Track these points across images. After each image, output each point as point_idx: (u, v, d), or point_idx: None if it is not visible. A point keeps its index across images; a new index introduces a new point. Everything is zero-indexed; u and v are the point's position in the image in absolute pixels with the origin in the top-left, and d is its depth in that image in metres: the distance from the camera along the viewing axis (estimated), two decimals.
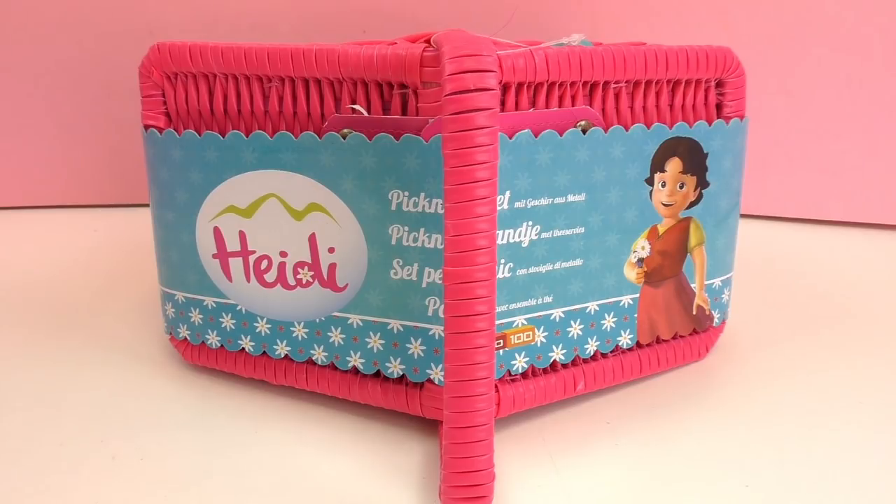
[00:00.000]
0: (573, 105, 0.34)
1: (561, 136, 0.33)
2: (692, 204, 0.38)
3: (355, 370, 0.36)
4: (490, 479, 0.29)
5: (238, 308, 0.38)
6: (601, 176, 0.35)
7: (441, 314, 0.34)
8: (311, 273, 0.35)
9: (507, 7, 0.57)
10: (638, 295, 0.38)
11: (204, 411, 0.38)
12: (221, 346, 0.39)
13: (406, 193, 0.33)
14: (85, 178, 0.62)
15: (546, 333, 0.35)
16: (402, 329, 0.34)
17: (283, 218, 0.35)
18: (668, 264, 0.39)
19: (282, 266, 0.36)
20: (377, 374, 0.36)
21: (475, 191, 0.27)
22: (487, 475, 0.29)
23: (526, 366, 0.35)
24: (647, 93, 0.36)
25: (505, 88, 0.33)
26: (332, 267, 0.35)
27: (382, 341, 0.35)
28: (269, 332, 0.37)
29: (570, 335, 0.36)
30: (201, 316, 0.39)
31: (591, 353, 0.37)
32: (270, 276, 0.36)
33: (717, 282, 0.41)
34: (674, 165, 0.37)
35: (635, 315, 0.38)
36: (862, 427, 0.37)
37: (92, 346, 0.44)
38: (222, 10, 0.57)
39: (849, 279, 0.55)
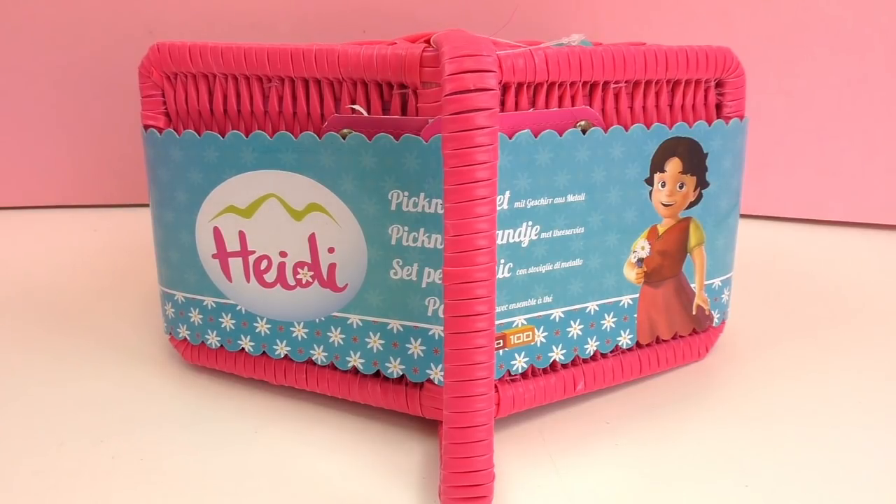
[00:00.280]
0: (573, 105, 0.34)
1: (561, 136, 0.33)
2: (692, 204, 0.38)
3: (355, 370, 0.36)
4: (490, 479, 0.29)
5: (238, 308, 0.38)
6: (601, 176, 0.35)
7: (441, 314, 0.34)
8: (311, 273, 0.35)
9: (506, 7, 0.57)
10: (638, 295, 0.38)
11: (204, 411, 0.38)
12: (221, 346, 0.39)
13: (406, 193, 0.33)
14: (85, 178, 0.62)
15: (546, 333, 0.35)
16: (401, 329, 0.34)
17: (283, 218, 0.35)
18: (667, 264, 0.39)
19: (281, 266, 0.36)
20: (377, 374, 0.36)
21: (475, 191, 0.27)
22: (487, 475, 0.29)
23: (526, 366, 0.35)
24: (646, 93, 0.36)
25: (505, 88, 0.33)
26: (332, 267, 0.35)
27: (382, 341, 0.35)
28: (268, 332, 0.37)
29: (569, 335, 0.36)
30: (201, 316, 0.39)
31: (591, 353, 0.37)
32: (270, 276, 0.36)
33: (716, 282, 0.41)
34: (673, 165, 0.37)
35: (635, 315, 0.38)
36: (861, 427, 0.37)
37: (92, 346, 0.44)
38: (222, 10, 0.57)
39: (848, 279, 0.55)
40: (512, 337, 0.35)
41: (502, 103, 0.33)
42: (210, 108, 0.37)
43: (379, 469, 0.33)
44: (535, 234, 0.34)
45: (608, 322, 0.37)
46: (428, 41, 0.32)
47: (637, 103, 0.36)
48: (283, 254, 0.36)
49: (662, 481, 0.33)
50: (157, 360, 0.43)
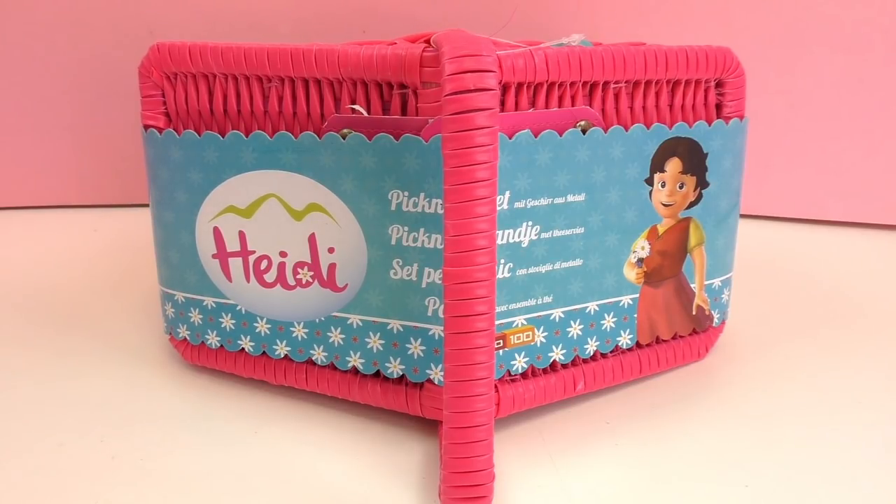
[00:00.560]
0: (573, 105, 0.34)
1: (561, 136, 0.33)
2: (692, 204, 0.38)
3: (355, 370, 0.36)
4: (490, 479, 0.29)
5: (238, 308, 0.38)
6: (601, 176, 0.35)
7: (441, 314, 0.34)
8: (311, 273, 0.35)
9: (506, 7, 0.57)
10: (638, 295, 0.38)
11: (204, 411, 0.38)
12: (221, 346, 0.39)
13: (406, 193, 0.33)
14: (85, 178, 0.62)
15: (546, 333, 0.35)
16: (401, 329, 0.34)
17: (283, 218, 0.35)
18: (667, 264, 0.39)
19: (281, 266, 0.36)
20: (377, 374, 0.36)
21: (475, 191, 0.27)
22: (487, 475, 0.29)
23: (526, 366, 0.35)
24: (646, 93, 0.36)
25: (505, 88, 0.33)
26: (332, 267, 0.35)
27: (382, 341, 0.35)
28: (268, 332, 0.37)
29: (569, 335, 0.36)
30: (201, 316, 0.39)
31: (591, 353, 0.37)
32: (270, 277, 0.36)
33: (716, 282, 0.41)
34: (673, 165, 0.37)
35: (635, 315, 0.38)
36: (861, 427, 0.37)
37: (91, 345, 0.44)
38: (222, 11, 0.57)
39: (848, 279, 0.55)
40: (512, 337, 0.35)
41: (502, 103, 0.33)
42: (210, 108, 0.37)
43: (379, 469, 0.33)
44: (535, 234, 0.34)
45: (608, 322, 0.37)
46: (428, 41, 0.32)
47: (637, 103, 0.36)
48: (283, 254, 0.36)
49: (662, 481, 0.33)
50: (158, 360, 0.43)
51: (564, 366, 0.37)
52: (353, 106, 0.34)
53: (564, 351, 0.36)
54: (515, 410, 0.35)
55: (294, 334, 0.37)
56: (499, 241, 0.33)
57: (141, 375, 0.41)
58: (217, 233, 0.37)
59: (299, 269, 0.36)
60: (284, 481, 0.32)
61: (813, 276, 0.56)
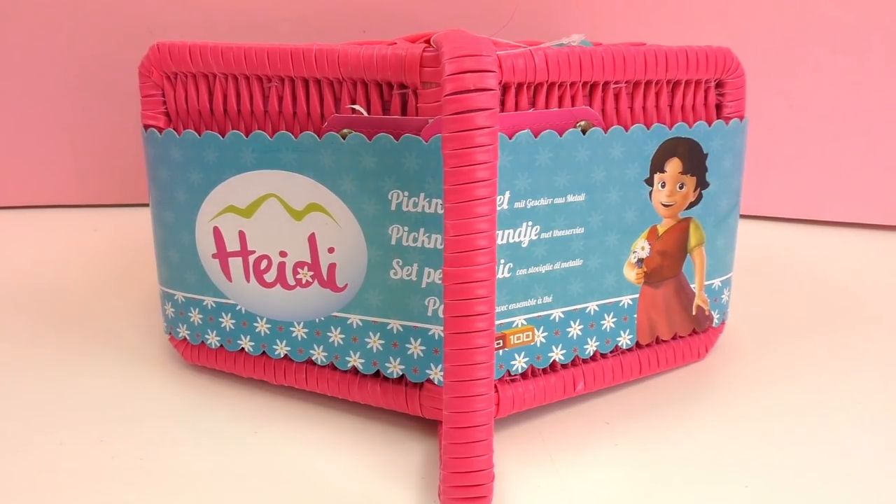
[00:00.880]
0: (573, 105, 0.34)
1: (561, 136, 0.33)
2: (692, 204, 0.38)
3: (355, 370, 0.36)
4: (489, 480, 0.29)
5: (238, 308, 0.38)
6: (601, 176, 0.35)
7: (441, 314, 0.34)
8: (311, 273, 0.35)
9: (506, 7, 0.57)
10: (637, 295, 0.38)
11: (203, 411, 0.38)
12: (221, 345, 0.39)
13: (406, 193, 0.33)
14: (85, 177, 0.62)
15: (546, 334, 0.35)
16: (401, 329, 0.34)
17: (283, 218, 0.35)
18: (667, 265, 0.39)
19: (281, 266, 0.36)
20: (377, 374, 0.36)
21: (475, 191, 0.27)
22: (487, 475, 0.29)
23: (525, 366, 0.35)
24: (646, 93, 0.36)
25: (505, 89, 0.33)
26: (332, 267, 0.35)
27: (382, 341, 0.35)
28: (268, 332, 0.37)
29: (569, 335, 0.36)
30: (201, 316, 0.39)
31: (591, 354, 0.37)
32: (270, 276, 0.36)
33: (716, 282, 0.41)
34: (673, 166, 0.37)
35: (635, 315, 0.38)
36: (861, 427, 0.37)
37: (91, 345, 0.44)
38: (222, 10, 0.57)
39: (848, 280, 0.55)
40: (512, 337, 0.35)
41: (502, 103, 0.33)
42: (210, 108, 0.37)
43: (379, 469, 0.33)
44: (535, 235, 0.34)
45: (608, 322, 0.37)
46: (428, 41, 0.32)
47: (637, 103, 0.36)
48: (283, 254, 0.36)
49: (662, 482, 0.33)
50: (157, 360, 0.43)
51: (564, 366, 0.37)
52: (354, 106, 0.34)
53: (564, 351, 0.36)
54: (515, 410, 0.35)
55: (294, 334, 0.37)
56: (499, 242, 0.33)
57: (141, 375, 0.41)
58: (217, 232, 0.37)
59: (299, 269, 0.36)
60: (284, 481, 0.32)
61: (813, 277, 0.56)
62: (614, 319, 0.37)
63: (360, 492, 0.32)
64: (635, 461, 0.34)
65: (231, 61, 0.35)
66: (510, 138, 0.32)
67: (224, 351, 0.39)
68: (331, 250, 0.35)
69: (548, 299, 0.35)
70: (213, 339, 0.39)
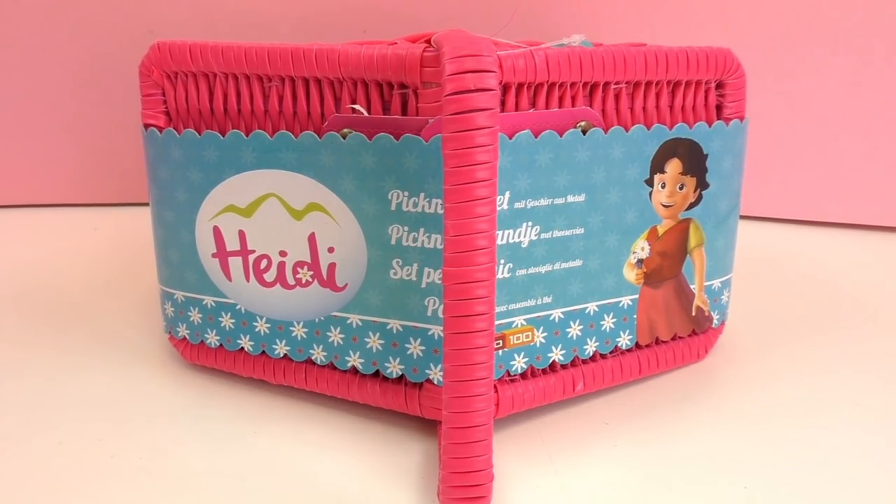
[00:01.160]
0: (573, 105, 0.34)
1: (561, 136, 0.33)
2: (692, 205, 0.38)
3: (354, 370, 0.36)
4: (489, 480, 0.29)
5: (237, 307, 0.38)
6: (601, 177, 0.35)
7: (440, 314, 0.34)
8: (311, 273, 0.35)
9: (507, 7, 0.57)
10: (637, 296, 0.38)
11: (203, 410, 0.38)
12: (220, 345, 0.39)
13: (406, 193, 0.33)
14: (85, 176, 0.62)
15: (545, 334, 0.35)
16: (401, 329, 0.34)
17: (283, 217, 0.35)
18: (667, 265, 0.39)
19: (281, 266, 0.36)
20: (376, 373, 0.36)
21: (475, 191, 0.27)
22: (486, 475, 0.29)
23: (525, 366, 0.35)
24: (647, 94, 0.36)
25: (505, 89, 0.33)
26: (332, 267, 0.35)
27: (382, 341, 0.35)
28: (268, 331, 0.37)
29: (569, 336, 0.36)
30: (200, 315, 0.39)
31: (591, 354, 0.37)
32: (270, 276, 0.36)
33: (716, 283, 0.41)
34: (674, 166, 0.37)
35: (635, 316, 0.38)
36: (860, 428, 0.37)
37: (91, 344, 0.44)
38: (223, 10, 0.57)
39: (848, 281, 0.55)
40: (511, 337, 0.35)
41: (502, 103, 0.33)
42: (210, 108, 0.37)
43: (378, 469, 0.33)
44: (535, 235, 0.34)
45: (608, 323, 0.37)
46: (428, 41, 0.32)
47: (637, 104, 0.36)
48: (282, 253, 0.36)
49: (661, 482, 0.33)
50: (157, 359, 0.43)
51: (564, 366, 0.37)
52: (354, 106, 0.34)
53: (564, 351, 0.36)
54: (515, 411, 0.35)
55: (293, 334, 0.37)
56: (499, 242, 0.33)
57: (140, 374, 0.41)
58: (217, 232, 0.37)
59: (299, 269, 0.36)
60: (283, 481, 0.32)
61: (813, 278, 0.56)
62: (614, 320, 0.37)
63: (360, 492, 0.32)
64: (635, 461, 0.34)
65: (231, 61, 0.35)
66: (510, 138, 0.32)
67: (224, 350, 0.39)
68: (331, 250, 0.35)
69: (547, 300, 0.35)
70: (212, 339, 0.39)
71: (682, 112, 0.38)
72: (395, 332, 0.35)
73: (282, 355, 0.37)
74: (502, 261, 0.33)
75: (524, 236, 0.34)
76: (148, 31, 0.57)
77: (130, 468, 0.33)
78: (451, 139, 0.27)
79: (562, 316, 0.36)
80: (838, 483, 0.32)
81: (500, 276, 0.33)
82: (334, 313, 0.36)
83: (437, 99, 0.31)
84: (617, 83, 0.35)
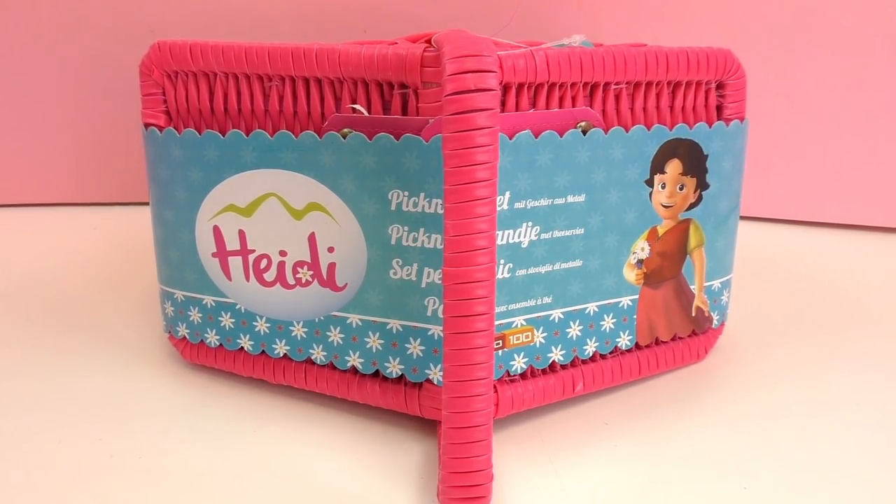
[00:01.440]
0: (573, 106, 0.34)
1: (561, 136, 0.33)
2: (692, 205, 0.38)
3: (354, 370, 0.36)
4: (488, 480, 0.29)
5: (237, 307, 0.38)
6: (601, 177, 0.35)
7: (440, 314, 0.34)
8: (311, 272, 0.35)
9: (507, 7, 0.57)
10: (637, 296, 0.38)
11: (202, 410, 0.38)
12: (220, 344, 0.39)
13: (406, 193, 0.33)
14: (85, 176, 0.62)
15: (545, 334, 0.35)
16: (401, 329, 0.34)
17: (283, 217, 0.35)
18: (667, 266, 0.39)
19: (281, 265, 0.36)
20: (376, 373, 0.36)
21: (475, 191, 0.27)
22: (486, 475, 0.29)
23: (525, 366, 0.35)
24: (647, 94, 0.36)
25: (505, 89, 0.33)
26: (332, 266, 0.35)
27: (381, 341, 0.35)
28: (268, 331, 0.37)
29: (569, 336, 0.36)
30: (200, 315, 0.39)
31: (590, 354, 0.37)
32: (270, 276, 0.36)
33: (716, 283, 0.41)
34: (674, 167, 0.37)
35: (634, 316, 0.38)
36: (860, 429, 0.37)
37: (90, 344, 0.44)
38: (223, 9, 0.57)
39: (848, 282, 0.55)
40: (511, 337, 0.35)
41: (503, 104, 0.33)
42: (210, 107, 0.37)
43: (378, 469, 0.33)
44: (535, 235, 0.34)
45: (607, 323, 0.37)
46: (429, 41, 0.32)
47: (637, 104, 0.36)
48: (282, 253, 0.36)
49: (661, 482, 0.33)
50: (157, 359, 0.43)
51: (563, 366, 0.37)
52: (354, 105, 0.34)
53: (564, 352, 0.36)
54: (514, 411, 0.35)
55: (293, 333, 0.37)
56: (499, 242, 0.33)
57: (140, 374, 0.41)
58: (217, 231, 0.37)
59: (299, 269, 0.36)
60: (283, 480, 0.32)
61: (813, 279, 0.56)
62: (614, 320, 0.37)
63: (359, 492, 0.32)
64: (634, 462, 0.34)
65: (232, 60, 0.35)
66: (510, 139, 0.32)
67: (223, 350, 0.39)
68: (331, 250, 0.35)
69: (547, 300, 0.35)
70: (212, 338, 0.39)
71: (682, 112, 0.38)
72: (394, 331, 0.35)
73: (281, 355, 0.37)
74: (502, 261, 0.33)
75: (524, 236, 0.34)
76: (148, 30, 0.57)
77: (130, 468, 0.33)
78: (451, 139, 0.27)
79: (562, 316, 0.36)
80: (838, 483, 0.32)
81: (500, 276, 0.33)
82: (334, 313, 0.36)
83: (438, 99, 0.31)
84: (617, 83, 0.35)
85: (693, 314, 0.41)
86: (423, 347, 0.34)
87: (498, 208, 0.31)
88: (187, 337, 0.40)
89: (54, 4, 0.57)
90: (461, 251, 0.28)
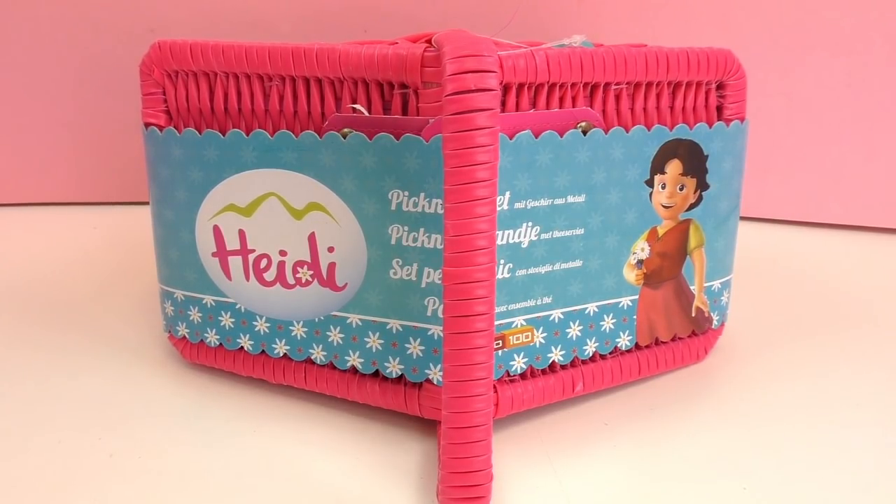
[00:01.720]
0: (574, 106, 0.34)
1: (561, 136, 0.33)
2: (692, 206, 0.38)
3: (354, 370, 0.36)
4: (488, 480, 0.29)
5: (237, 307, 0.38)
6: (601, 177, 0.35)
7: (440, 314, 0.34)
8: (311, 272, 0.35)
9: (508, 7, 0.57)
10: (637, 296, 0.38)
11: (202, 410, 0.38)
12: (220, 344, 0.39)
13: (406, 193, 0.33)
14: (85, 175, 0.62)
15: (545, 334, 0.35)
16: (401, 329, 0.34)
17: (283, 217, 0.35)
18: (667, 266, 0.39)
19: (281, 265, 0.36)
20: (376, 373, 0.36)
21: (475, 191, 0.27)
22: (485, 475, 0.29)
23: (525, 366, 0.35)
24: (647, 94, 0.36)
25: (506, 89, 0.33)
26: (332, 266, 0.35)
27: (381, 341, 0.35)
28: (267, 330, 0.37)
29: (569, 336, 0.36)
30: (200, 314, 0.39)
31: (590, 355, 0.37)
32: (270, 275, 0.36)
33: (716, 284, 0.41)
34: (674, 167, 0.37)
35: (634, 316, 0.38)
36: (860, 429, 0.37)
37: (90, 343, 0.44)
38: (223, 9, 0.57)
39: (848, 282, 0.55)
40: (511, 337, 0.35)
41: (503, 104, 0.33)
42: (211, 107, 0.37)
43: (377, 469, 0.33)
44: (535, 235, 0.34)
45: (607, 323, 0.37)
46: (429, 41, 0.32)
47: (638, 105, 0.36)
48: (282, 253, 0.36)
49: (660, 483, 0.33)
50: (156, 359, 0.43)
51: (563, 367, 0.37)
52: (354, 105, 0.34)
53: (563, 352, 0.36)
54: (514, 411, 0.35)
55: (293, 333, 0.37)
56: (499, 242, 0.33)
57: (139, 373, 0.41)
58: (217, 231, 0.37)
59: (299, 268, 0.36)
60: (282, 480, 0.32)
61: (812, 279, 0.56)
62: (614, 320, 0.37)
63: (359, 491, 0.32)
64: (634, 462, 0.34)
65: (232, 60, 0.35)
66: (511, 139, 0.32)
67: (223, 350, 0.39)
68: (331, 249, 0.35)
69: (547, 300, 0.35)
70: (212, 338, 0.39)
71: (682, 113, 0.38)
72: (394, 331, 0.35)
73: (281, 355, 0.37)
74: (502, 261, 0.33)
75: (524, 236, 0.34)
76: (148, 29, 0.57)
77: (129, 467, 0.33)
78: (451, 139, 0.27)
79: (561, 316, 0.36)
80: (838, 483, 0.32)
81: (500, 276, 0.33)
82: (334, 313, 0.36)
83: (438, 99, 0.31)
84: (617, 84, 0.35)
85: (693, 314, 0.41)
86: (422, 347, 0.34)
87: (498, 208, 0.31)
88: (187, 336, 0.40)
89: (54, 4, 0.57)
90: (461, 251, 0.28)
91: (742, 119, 0.40)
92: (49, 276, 0.55)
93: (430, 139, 0.32)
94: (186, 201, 0.37)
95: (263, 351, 0.38)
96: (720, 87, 0.39)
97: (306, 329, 0.36)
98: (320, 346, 0.36)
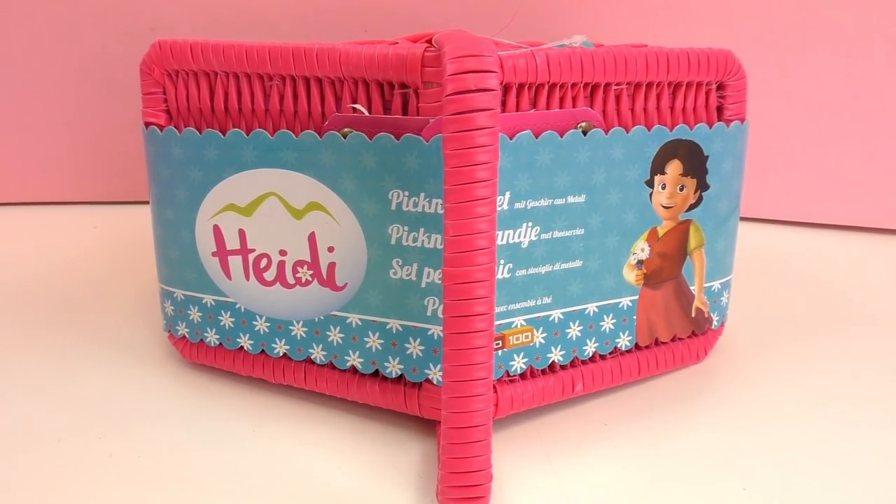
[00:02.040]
0: (574, 106, 0.34)
1: (561, 137, 0.33)
2: (692, 206, 0.38)
3: (354, 369, 0.36)
4: (488, 480, 0.29)
5: (237, 306, 0.38)
6: (601, 177, 0.35)
7: (440, 314, 0.34)
8: (311, 272, 0.35)
9: (508, 7, 0.57)
10: (637, 297, 0.38)
11: (202, 409, 0.38)
12: (220, 344, 0.39)
13: (406, 193, 0.33)
14: (85, 174, 0.62)
15: (545, 334, 0.35)
16: (400, 329, 0.34)
17: (283, 217, 0.35)
18: (667, 266, 0.39)
19: (281, 265, 0.36)
20: (376, 373, 0.36)
21: (475, 191, 0.27)
22: (485, 475, 0.29)
23: (524, 366, 0.35)
24: (647, 95, 0.36)
25: (506, 89, 0.33)
26: (332, 266, 0.35)
27: (381, 341, 0.35)
28: (267, 330, 0.37)
29: (568, 336, 0.36)
30: (200, 314, 0.39)
31: (590, 355, 0.37)
32: (270, 275, 0.36)
33: (716, 284, 0.41)
34: (674, 167, 0.37)
35: (634, 317, 0.38)
36: (859, 429, 0.37)
37: (90, 343, 0.44)
38: (224, 8, 0.57)
39: (848, 283, 0.55)
40: (511, 337, 0.35)
41: (503, 104, 0.33)
42: (211, 106, 0.37)
43: (377, 469, 0.33)
44: (535, 235, 0.34)
45: (607, 323, 0.37)
46: (429, 41, 0.32)
47: (638, 105, 0.36)
48: (282, 252, 0.36)
49: (660, 483, 0.33)
50: (156, 358, 0.43)
51: (563, 367, 0.37)
52: (354, 105, 0.34)
53: (563, 352, 0.36)
54: (514, 411, 0.35)
55: (293, 333, 0.37)
56: (499, 242, 0.33)
57: (139, 373, 0.41)
58: (217, 231, 0.37)
59: (299, 268, 0.36)
60: (282, 480, 0.32)
61: (813, 280, 0.56)
62: (613, 321, 0.37)
63: (359, 491, 0.32)
64: (633, 462, 0.34)
65: (232, 59, 0.35)
66: (511, 139, 0.32)
67: (223, 349, 0.39)
68: (331, 249, 0.35)
69: (547, 300, 0.35)
70: (212, 338, 0.39)
71: (682, 113, 0.38)
72: (394, 331, 0.35)
73: (281, 354, 0.37)
74: (502, 261, 0.33)
75: (524, 237, 0.34)
76: (149, 29, 0.57)
77: (129, 467, 0.33)
78: (451, 139, 0.27)
79: (561, 316, 0.36)
80: (838, 483, 0.32)
81: (499, 276, 0.33)
82: (334, 313, 0.36)
83: (438, 99, 0.31)
84: (618, 84, 0.35)
85: (693, 315, 0.41)
86: (422, 347, 0.34)
87: (498, 208, 0.31)
88: (187, 336, 0.40)
89: (54, 3, 0.57)
90: (461, 251, 0.28)
91: (742, 119, 0.40)
92: (49, 275, 0.55)
93: (430, 139, 0.32)
94: (186, 201, 0.37)
95: (263, 351, 0.38)
96: (720, 87, 0.39)
97: (306, 329, 0.36)
98: (320, 346, 0.36)
